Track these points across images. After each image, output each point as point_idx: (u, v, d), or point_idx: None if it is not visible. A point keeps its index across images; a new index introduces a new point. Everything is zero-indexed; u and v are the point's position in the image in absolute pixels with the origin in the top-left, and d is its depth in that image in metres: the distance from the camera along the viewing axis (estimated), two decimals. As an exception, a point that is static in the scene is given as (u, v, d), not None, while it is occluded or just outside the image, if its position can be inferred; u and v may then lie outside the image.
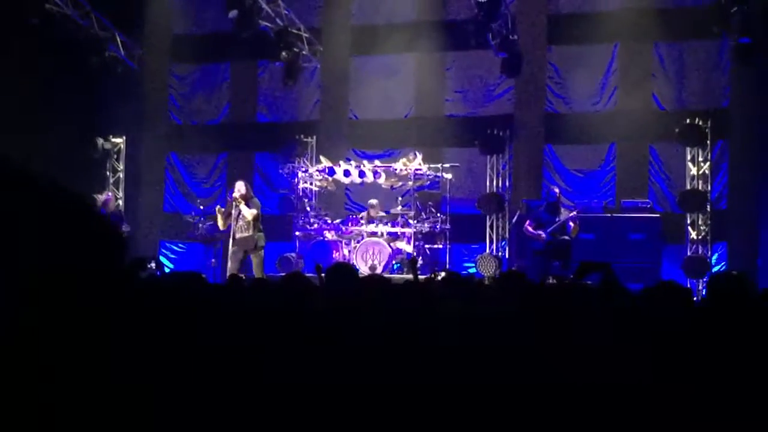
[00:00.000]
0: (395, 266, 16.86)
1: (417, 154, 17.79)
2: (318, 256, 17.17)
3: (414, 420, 3.00)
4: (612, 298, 4.92)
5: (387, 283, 4.94)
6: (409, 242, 17.23)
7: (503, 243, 18.37)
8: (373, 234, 17.17)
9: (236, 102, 21.11)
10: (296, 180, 18.88)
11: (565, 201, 17.30)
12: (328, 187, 18.87)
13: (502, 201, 18.41)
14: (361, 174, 17.68)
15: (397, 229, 17.28)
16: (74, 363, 1.28)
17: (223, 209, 14.60)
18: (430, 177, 18.07)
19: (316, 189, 19.06)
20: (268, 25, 18.86)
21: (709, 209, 17.52)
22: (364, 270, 15.94)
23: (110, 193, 18.79)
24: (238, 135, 20.78)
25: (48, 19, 18.17)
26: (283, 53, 18.80)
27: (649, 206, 17.22)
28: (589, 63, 18.82)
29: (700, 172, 17.59)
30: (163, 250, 20.55)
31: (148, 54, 20.71)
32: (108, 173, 20.46)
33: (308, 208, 18.63)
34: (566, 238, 14.97)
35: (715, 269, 17.22)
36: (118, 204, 17.92)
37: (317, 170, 18.38)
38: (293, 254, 18.08)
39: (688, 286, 16.22)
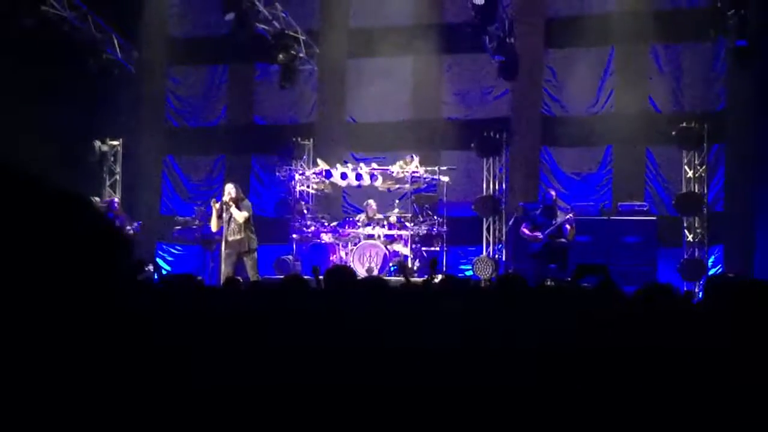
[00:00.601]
0: (392, 269, 16.86)
1: (414, 156, 17.79)
2: (315, 259, 17.17)
3: (413, 422, 3.01)
4: (609, 301, 4.94)
5: (385, 285, 4.95)
6: (405, 245, 17.24)
7: (500, 246, 18.37)
8: (370, 237, 17.18)
9: (233, 104, 21.12)
10: (293, 183, 18.87)
11: (562, 204, 17.31)
12: (325, 190, 18.87)
13: (498, 204, 18.41)
14: (358, 177, 17.68)
15: (394, 232, 17.28)
16: (71, 363, 1.29)
17: (218, 203, 14.57)
18: (426, 180, 18.07)
19: (313, 192, 19.06)
20: (265, 27, 18.87)
21: (705, 212, 17.54)
22: (361, 272, 15.94)
23: (116, 197, 18.79)
24: (235, 137, 20.77)
25: (44, 21, 18.15)
26: (280, 56, 18.80)
27: (645, 209, 17.24)
28: (586, 66, 18.85)
29: (697, 175, 17.61)
30: (160, 253, 20.53)
31: (145, 56, 20.70)
32: (105, 176, 20.43)
33: (305, 211, 18.62)
34: (563, 240, 14.98)
35: (712, 272, 17.24)
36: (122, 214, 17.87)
37: (314, 173, 18.39)
38: (290, 256, 18.08)
39: (685, 288, 16.26)
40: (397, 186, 18.20)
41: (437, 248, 17.88)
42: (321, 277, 5.99)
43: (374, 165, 17.98)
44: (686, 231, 17.64)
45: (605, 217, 17.03)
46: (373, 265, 16.60)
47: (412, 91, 19.90)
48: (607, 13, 18.53)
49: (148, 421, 1.56)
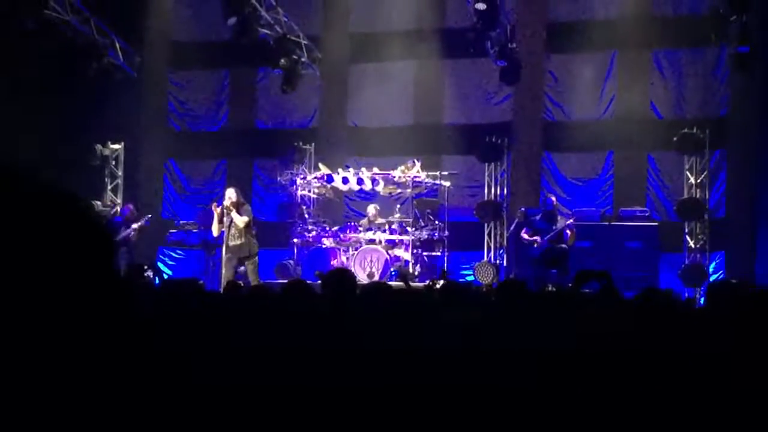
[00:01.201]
0: (392, 273, 16.85)
1: (415, 161, 17.79)
2: (316, 264, 17.16)
3: (414, 424, 3.01)
4: (611, 306, 4.94)
5: (388, 290, 4.96)
6: (407, 250, 17.24)
7: (501, 251, 18.37)
8: (371, 241, 17.18)
9: (235, 109, 21.13)
10: (295, 187, 18.87)
11: (563, 209, 17.32)
12: (327, 195, 18.87)
13: (500, 209, 18.41)
14: (360, 181, 17.68)
15: (395, 237, 17.28)
16: (65, 366, 1.29)
17: (219, 207, 14.56)
18: (428, 184, 18.07)
19: (315, 196, 19.06)
20: (267, 32, 18.88)
21: (706, 218, 17.53)
22: (362, 277, 15.94)
23: (130, 206, 18.65)
24: (237, 142, 20.78)
25: (47, 25, 18.16)
26: (282, 60, 18.81)
27: (646, 215, 17.24)
28: (588, 71, 18.86)
29: (698, 181, 17.61)
30: (161, 257, 20.52)
31: (147, 60, 20.71)
32: (107, 179, 20.43)
33: (306, 215, 18.62)
34: (563, 246, 14.99)
35: (713, 278, 17.23)
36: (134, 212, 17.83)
37: (316, 177, 18.39)
38: (291, 261, 18.08)
39: (686, 295, 16.25)
40: (399, 191, 18.21)
41: (438, 253, 17.87)
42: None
43: (376, 169, 17.96)
44: (687, 237, 17.64)
45: (606, 223, 17.01)
46: (374, 269, 16.59)
47: (413, 95, 19.91)
48: (608, 18, 18.53)
49: (147, 424, 1.56)
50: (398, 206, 17.99)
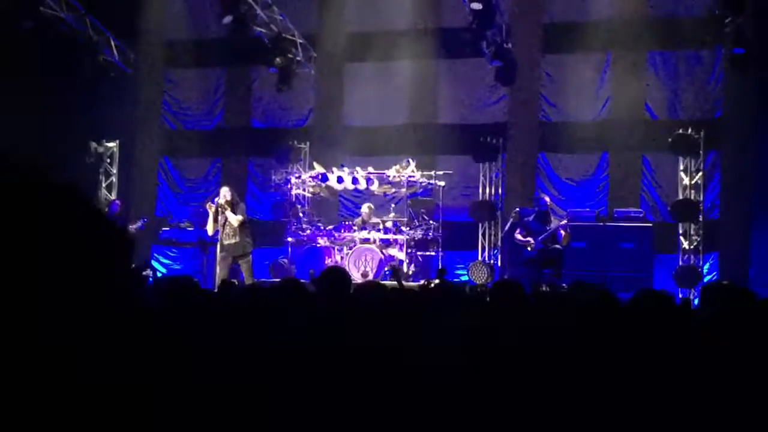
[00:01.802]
0: (387, 273, 16.85)
1: (410, 161, 17.79)
2: (310, 263, 17.17)
3: (409, 425, 3.02)
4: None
5: (382, 289, 4.95)
6: (401, 249, 17.24)
7: (496, 251, 18.38)
8: (366, 241, 17.19)
9: (230, 107, 21.12)
10: (289, 186, 18.86)
11: (558, 210, 17.35)
12: (321, 194, 18.87)
13: (494, 209, 18.42)
14: (354, 180, 17.69)
15: (390, 236, 17.29)
16: (72, 361, 1.29)
17: (213, 205, 14.56)
18: (423, 184, 18.07)
19: (310, 195, 19.05)
20: (263, 30, 18.88)
21: (701, 219, 17.55)
22: (356, 276, 15.94)
23: (118, 200, 18.79)
24: (232, 140, 20.78)
25: (42, 22, 18.15)
26: (278, 59, 18.82)
27: (641, 215, 17.25)
28: (583, 72, 18.86)
29: (693, 182, 17.62)
30: (156, 255, 20.51)
31: (142, 58, 20.70)
32: (101, 177, 20.42)
33: (301, 214, 18.61)
34: (558, 246, 15.00)
35: (707, 279, 17.25)
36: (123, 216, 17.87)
37: (310, 176, 18.38)
38: (286, 260, 18.08)
39: (681, 296, 16.27)
40: (394, 190, 18.21)
41: (433, 253, 17.89)
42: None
43: (370, 169, 17.96)
44: (682, 238, 17.66)
45: (601, 223, 17.02)
46: (368, 269, 16.60)
47: (409, 95, 19.89)
48: (604, 19, 18.53)
49: (150, 420, 1.56)
50: (393, 205, 17.99)
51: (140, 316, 1.45)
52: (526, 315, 5.04)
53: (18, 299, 1.23)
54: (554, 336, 3.83)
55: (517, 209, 17.05)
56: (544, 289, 13.51)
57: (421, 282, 13.78)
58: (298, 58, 19.49)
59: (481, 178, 18.56)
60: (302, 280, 6.21)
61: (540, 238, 14.97)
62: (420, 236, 17.57)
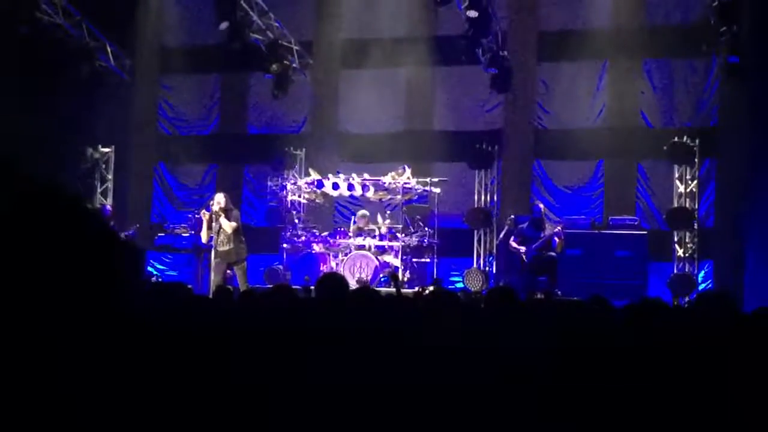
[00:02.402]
0: (382, 279, 16.85)
1: (406, 167, 17.80)
2: (305, 269, 17.17)
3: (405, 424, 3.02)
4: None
5: (377, 296, 4.96)
6: (396, 256, 17.24)
7: (491, 258, 18.38)
8: (361, 247, 17.19)
9: (226, 113, 21.12)
10: (285, 192, 18.85)
11: (553, 217, 17.35)
12: (317, 200, 18.86)
13: (489, 216, 18.43)
14: (350, 187, 17.69)
15: (385, 243, 17.28)
16: (72, 365, 1.29)
17: (208, 213, 14.54)
18: (418, 191, 18.06)
19: (305, 201, 19.04)
20: (259, 37, 18.89)
21: (696, 227, 17.56)
22: (351, 283, 15.92)
23: (108, 204, 18.84)
24: (228, 146, 20.78)
25: (39, 28, 18.14)
26: (274, 66, 18.82)
27: (636, 223, 17.26)
28: (579, 80, 18.89)
29: (688, 190, 17.65)
30: (151, 260, 20.48)
31: (138, 64, 20.70)
32: (97, 183, 20.40)
33: (296, 221, 18.61)
34: (552, 254, 15.02)
35: (702, 287, 17.27)
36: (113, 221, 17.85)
37: (306, 183, 18.38)
38: (281, 266, 18.07)
39: (676, 303, 16.27)
40: (389, 197, 18.20)
41: (428, 260, 17.88)
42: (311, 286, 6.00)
43: (366, 175, 17.96)
44: (676, 246, 17.67)
45: (596, 231, 17.05)
46: (363, 275, 16.60)
47: (404, 102, 19.92)
48: (600, 27, 18.57)
49: (147, 423, 1.56)
50: (388, 212, 17.99)
51: (139, 322, 1.45)
52: (519, 321, 5.05)
53: (21, 305, 1.23)
54: (545, 342, 3.83)
55: (512, 216, 17.07)
56: (538, 296, 13.54)
57: (416, 289, 13.80)
58: (294, 65, 19.50)
59: (477, 185, 18.57)
60: (295, 286, 6.21)
61: (534, 246, 14.98)
62: (415, 243, 17.56)
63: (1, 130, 16.68)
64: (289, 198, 18.86)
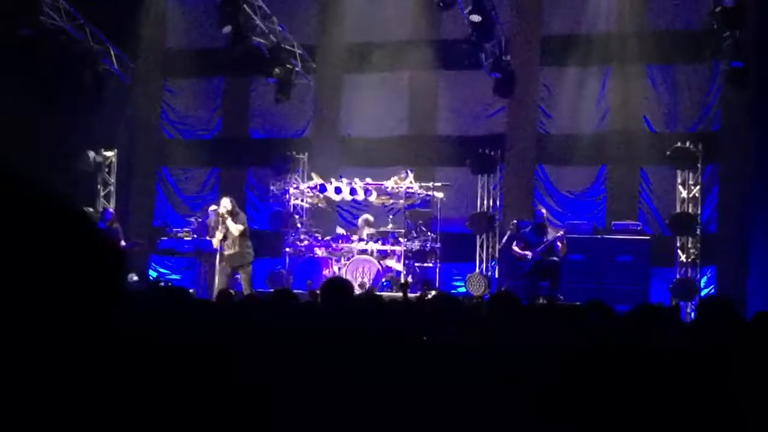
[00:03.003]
0: (384, 284, 16.84)
1: (409, 172, 17.79)
2: (308, 273, 17.17)
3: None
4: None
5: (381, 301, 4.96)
6: (399, 260, 17.23)
7: (493, 263, 18.37)
8: (364, 251, 17.18)
9: (229, 117, 21.13)
10: (287, 196, 18.86)
11: (555, 221, 17.34)
12: (320, 204, 18.85)
13: (492, 220, 18.42)
14: (353, 191, 17.68)
15: (388, 247, 17.28)
16: (60, 374, 1.28)
17: (213, 218, 14.60)
18: (421, 195, 18.05)
19: (308, 206, 19.04)
20: (262, 41, 18.90)
21: (698, 232, 17.54)
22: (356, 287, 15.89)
23: (111, 207, 18.86)
24: (231, 150, 20.78)
25: (42, 32, 18.17)
26: (277, 69, 18.84)
27: (638, 228, 17.25)
28: (582, 85, 18.88)
29: (691, 195, 17.63)
30: (153, 264, 20.49)
31: (141, 68, 20.73)
32: (99, 186, 20.41)
33: (299, 225, 18.61)
34: (555, 258, 15.00)
35: (704, 292, 17.24)
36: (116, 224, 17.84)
37: (309, 187, 18.38)
38: (283, 270, 18.07)
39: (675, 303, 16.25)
40: (392, 201, 18.20)
41: (431, 264, 17.87)
42: (316, 290, 6.00)
43: (369, 180, 17.96)
44: (679, 251, 17.64)
45: (599, 236, 17.04)
46: (365, 280, 16.59)
47: (407, 106, 19.92)
48: (603, 32, 18.56)
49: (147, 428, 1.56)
50: (391, 217, 17.99)
51: (126, 328, 1.44)
52: (521, 326, 5.04)
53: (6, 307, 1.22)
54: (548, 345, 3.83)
55: (515, 221, 17.07)
56: (541, 301, 13.52)
57: (418, 293, 13.80)
58: (296, 69, 19.51)
59: (479, 189, 18.56)
60: (297, 291, 6.21)
61: (538, 250, 14.96)
62: (418, 247, 17.55)
63: (3, 134, 16.70)
64: (292, 202, 18.88)
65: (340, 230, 17.94)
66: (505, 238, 16.94)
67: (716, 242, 17.73)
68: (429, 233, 17.74)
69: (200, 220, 18.14)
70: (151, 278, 19.61)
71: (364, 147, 19.67)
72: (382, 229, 17.62)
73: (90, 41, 19.39)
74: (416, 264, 17.66)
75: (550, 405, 3.20)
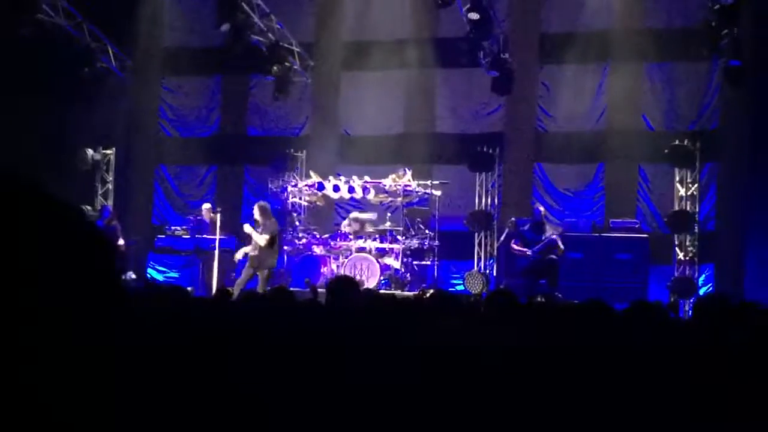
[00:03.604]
0: (382, 282, 16.84)
1: (407, 170, 17.80)
2: (306, 271, 17.17)
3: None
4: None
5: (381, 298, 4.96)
6: (397, 258, 17.23)
7: (491, 261, 18.37)
8: (362, 249, 17.18)
9: (227, 115, 21.11)
10: (285, 194, 18.86)
11: (554, 219, 17.35)
12: (318, 202, 18.85)
13: (490, 219, 18.42)
14: (351, 189, 17.69)
15: (386, 245, 17.28)
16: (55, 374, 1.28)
17: (248, 225, 14.97)
18: (419, 193, 18.07)
19: (306, 204, 19.05)
20: (260, 39, 18.90)
21: (696, 230, 17.55)
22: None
23: (109, 205, 18.87)
24: (229, 148, 20.78)
25: (40, 29, 18.15)
26: (275, 67, 18.83)
27: (637, 226, 17.26)
28: (580, 83, 18.88)
29: (689, 193, 17.63)
30: (152, 263, 20.48)
31: (139, 66, 20.71)
32: (97, 184, 20.40)
33: (297, 223, 18.62)
34: (553, 256, 15.01)
35: (702, 290, 17.25)
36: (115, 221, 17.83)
37: (307, 185, 18.38)
38: (281, 269, 18.07)
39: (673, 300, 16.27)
40: (390, 199, 18.20)
41: (428, 262, 17.88)
42: (316, 287, 6.00)
43: (367, 178, 17.96)
44: (677, 249, 17.65)
45: (597, 234, 17.04)
46: (364, 278, 16.59)
47: (405, 104, 19.91)
48: (601, 30, 18.56)
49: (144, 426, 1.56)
50: (389, 215, 18.00)
51: (124, 326, 1.44)
52: (518, 324, 5.04)
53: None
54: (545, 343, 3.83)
55: (513, 219, 17.06)
56: (539, 299, 13.52)
57: (417, 291, 13.81)
58: (295, 67, 19.51)
59: (478, 187, 18.56)
60: (297, 289, 6.22)
61: (535, 249, 14.97)
62: (416, 245, 17.57)
63: (2, 132, 16.70)
64: (290, 200, 18.88)
65: (349, 226, 17.77)
66: (504, 236, 16.94)
67: (714, 240, 17.74)
68: (427, 231, 17.76)
69: (198, 217, 18.14)
70: (149, 277, 19.60)
71: (363, 145, 19.66)
72: (377, 227, 17.63)
73: (88, 39, 19.37)
74: (414, 262, 17.66)
75: (549, 404, 3.20)
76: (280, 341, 3.71)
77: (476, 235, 18.56)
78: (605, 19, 18.61)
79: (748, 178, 17.21)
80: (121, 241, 17.19)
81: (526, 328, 4.69)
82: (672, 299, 16.45)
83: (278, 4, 19.37)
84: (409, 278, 17.24)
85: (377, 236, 17.43)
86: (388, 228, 17.54)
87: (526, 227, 15.48)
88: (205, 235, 17.45)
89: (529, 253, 15.00)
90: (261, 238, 14.54)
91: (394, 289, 16.38)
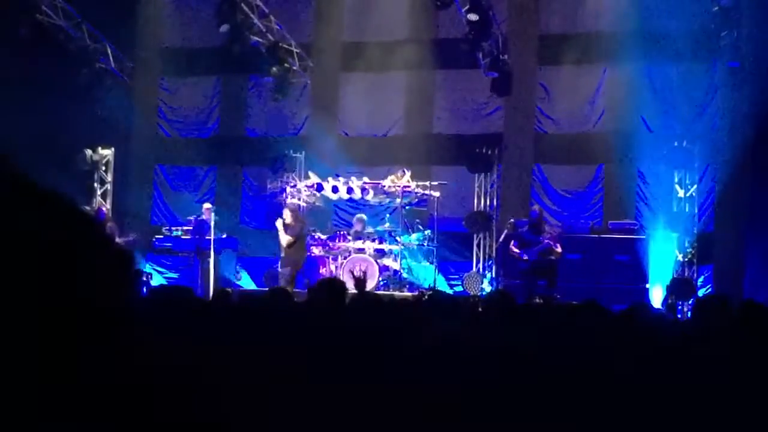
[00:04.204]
0: (381, 283, 16.85)
1: (405, 171, 17.81)
2: (305, 272, 17.17)
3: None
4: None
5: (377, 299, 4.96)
6: (395, 259, 17.23)
7: (490, 262, 18.37)
8: (360, 250, 17.18)
9: (226, 116, 21.12)
10: (284, 195, 18.85)
11: (552, 220, 17.35)
12: (316, 203, 18.86)
13: (489, 220, 18.42)
14: (349, 190, 17.70)
15: (384, 246, 17.28)
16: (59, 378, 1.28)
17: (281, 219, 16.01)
18: (417, 194, 18.07)
19: (305, 204, 19.04)
20: (259, 40, 18.90)
21: (695, 232, 17.55)
22: (350, 286, 15.90)
23: (104, 207, 18.87)
24: (227, 149, 20.78)
25: (39, 30, 18.15)
26: (274, 68, 18.84)
27: (635, 228, 17.26)
28: (579, 84, 18.88)
29: (687, 195, 17.64)
30: (151, 263, 20.46)
31: (138, 66, 20.71)
32: (96, 184, 20.39)
33: (295, 224, 18.61)
34: (552, 257, 15.01)
35: (701, 291, 17.24)
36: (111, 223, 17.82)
37: (305, 186, 18.39)
38: (280, 269, 18.05)
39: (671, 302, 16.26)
40: (388, 200, 18.22)
41: (427, 263, 17.88)
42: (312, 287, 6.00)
43: (365, 179, 17.97)
44: (676, 250, 17.64)
45: (595, 235, 17.04)
46: (360, 272, 16.58)
47: (404, 105, 19.91)
48: (600, 31, 18.56)
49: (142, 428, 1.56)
50: (388, 215, 18.00)
51: (136, 327, 1.45)
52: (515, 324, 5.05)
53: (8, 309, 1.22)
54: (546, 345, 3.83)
55: (512, 220, 17.05)
56: (537, 300, 13.53)
57: (416, 293, 13.80)
58: (293, 68, 19.51)
59: (476, 188, 18.57)
60: (297, 290, 6.22)
61: (534, 250, 14.97)
62: (414, 246, 17.57)
63: (1, 132, 16.69)
64: (289, 201, 18.86)
65: (355, 227, 17.79)
66: (502, 237, 16.94)
67: (713, 242, 17.74)
68: (426, 232, 17.76)
69: (197, 218, 18.11)
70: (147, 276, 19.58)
71: (361, 146, 19.66)
72: (377, 228, 17.64)
73: (87, 39, 19.37)
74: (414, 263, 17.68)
75: (548, 405, 3.21)
76: (276, 342, 3.71)
77: (475, 236, 18.56)
78: (604, 21, 18.61)
79: (747, 179, 17.20)
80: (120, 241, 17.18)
81: (525, 329, 4.69)
82: (670, 300, 16.44)
83: (277, 4, 19.40)
84: (408, 279, 17.25)
85: (375, 237, 17.44)
86: (387, 229, 17.54)
87: (525, 228, 15.49)
88: (206, 237, 17.40)
89: (525, 258, 15.00)
90: (284, 239, 15.77)
91: (393, 291, 16.39)
